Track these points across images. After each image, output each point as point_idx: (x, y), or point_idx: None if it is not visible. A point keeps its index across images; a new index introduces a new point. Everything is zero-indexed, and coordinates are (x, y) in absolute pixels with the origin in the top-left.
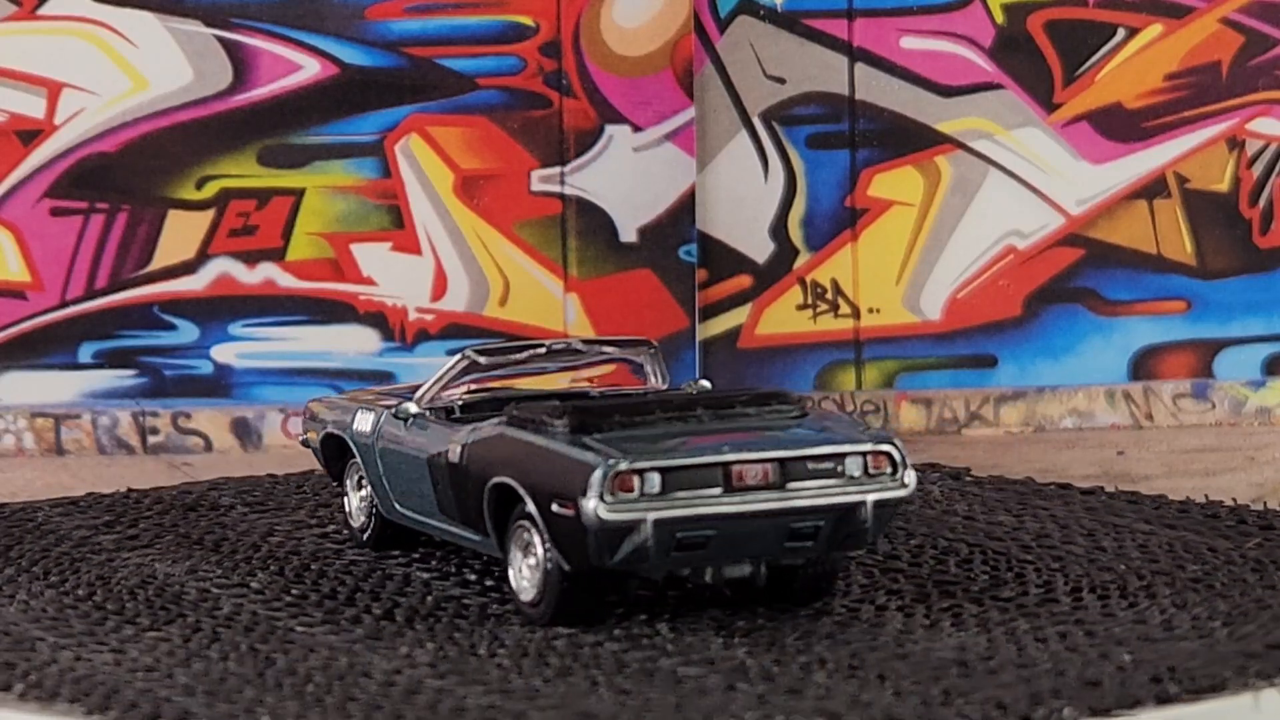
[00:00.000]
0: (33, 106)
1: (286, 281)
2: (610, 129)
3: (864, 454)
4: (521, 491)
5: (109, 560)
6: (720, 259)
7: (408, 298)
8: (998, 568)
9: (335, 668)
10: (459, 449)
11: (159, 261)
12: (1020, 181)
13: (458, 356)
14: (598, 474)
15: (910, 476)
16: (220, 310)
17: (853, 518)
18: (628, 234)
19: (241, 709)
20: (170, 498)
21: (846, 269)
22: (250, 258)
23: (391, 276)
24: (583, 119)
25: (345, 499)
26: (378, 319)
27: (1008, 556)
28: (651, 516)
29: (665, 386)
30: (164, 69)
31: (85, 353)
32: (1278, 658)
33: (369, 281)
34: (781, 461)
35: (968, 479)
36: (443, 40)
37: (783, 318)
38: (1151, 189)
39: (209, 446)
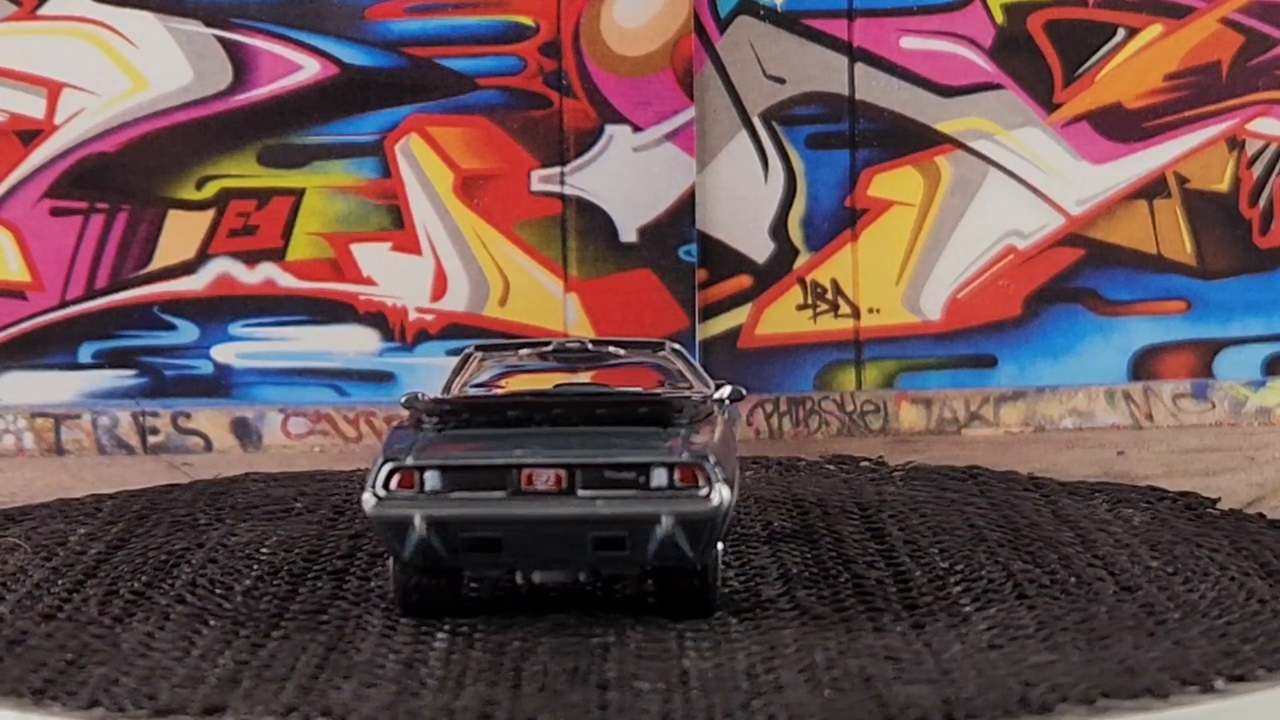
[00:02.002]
0: (33, 106)
1: (286, 281)
2: (610, 129)
3: (669, 466)
4: None
5: None
6: (720, 259)
7: (408, 298)
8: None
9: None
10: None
11: (159, 261)
12: (1020, 181)
13: (462, 354)
14: (374, 470)
15: (720, 494)
16: (220, 310)
17: (653, 531)
18: (628, 234)
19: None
20: None
21: (846, 269)
22: (250, 258)
23: (391, 276)
24: (583, 119)
25: None
26: (378, 319)
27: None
28: (420, 514)
29: (691, 385)
30: (164, 69)
31: (85, 353)
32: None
33: (369, 281)
34: (575, 468)
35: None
36: (443, 40)
37: (783, 318)
38: (1151, 189)
39: (209, 446)
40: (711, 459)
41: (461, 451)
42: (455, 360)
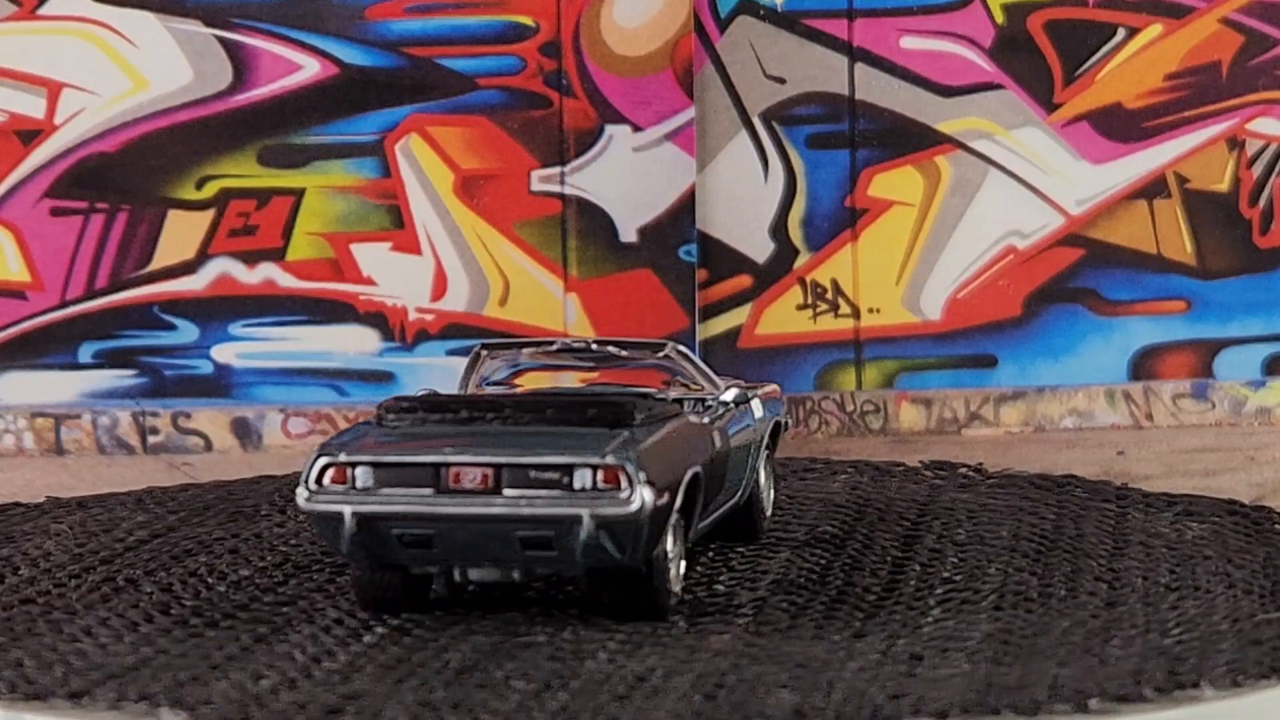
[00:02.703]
0: (33, 106)
1: (286, 281)
2: (610, 129)
3: (592, 468)
4: None
5: None
6: (720, 259)
7: (408, 298)
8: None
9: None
10: None
11: (159, 261)
12: (1020, 181)
13: (472, 353)
14: (308, 464)
15: (641, 495)
16: (220, 310)
17: (576, 532)
18: (628, 234)
19: None
20: None
21: (846, 269)
22: (250, 258)
23: (391, 276)
24: (583, 119)
25: None
26: (378, 319)
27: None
28: (349, 510)
29: (699, 385)
30: (164, 69)
31: (85, 353)
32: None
33: (369, 281)
34: (501, 467)
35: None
36: (443, 40)
37: (783, 318)
38: (1151, 189)
39: (209, 446)
40: (634, 462)
41: (393, 448)
42: (464, 361)
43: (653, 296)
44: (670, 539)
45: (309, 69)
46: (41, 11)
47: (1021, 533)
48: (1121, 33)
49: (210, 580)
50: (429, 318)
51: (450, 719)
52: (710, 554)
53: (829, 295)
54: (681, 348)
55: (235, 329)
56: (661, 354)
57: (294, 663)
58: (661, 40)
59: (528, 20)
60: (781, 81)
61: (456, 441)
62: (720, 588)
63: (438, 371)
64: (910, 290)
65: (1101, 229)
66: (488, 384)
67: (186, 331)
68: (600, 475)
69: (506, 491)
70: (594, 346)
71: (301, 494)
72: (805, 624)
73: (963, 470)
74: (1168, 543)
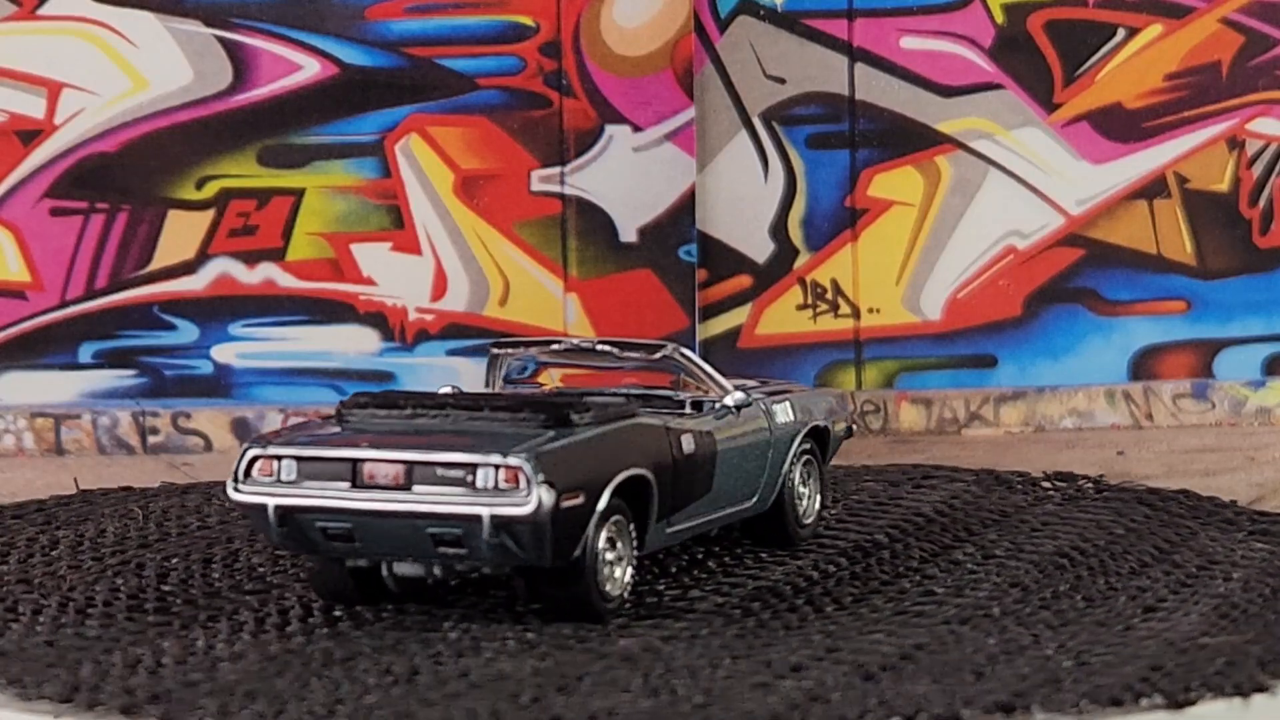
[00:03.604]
0: (33, 106)
1: (286, 281)
2: (610, 129)
3: (494, 467)
4: None
5: None
6: (720, 259)
7: (408, 298)
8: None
9: None
10: None
11: (159, 261)
12: (1020, 181)
13: (490, 355)
14: (239, 456)
15: (539, 495)
16: (220, 310)
17: (480, 529)
18: (628, 234)
19: None
20: None
21: (846, 269)
22: (250, 258)
23: (391, 276)
24: (583, 119)
25: None
26: (378, 319)
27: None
28: (272, 502)
29: (702, 386)
30: (164, 69)
31: (85, 353)
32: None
33: (369, 281)
34: (411, 465)
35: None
36: (443, 40)
37: (783, 318)
38: (1151, 189)
39: (209, 446)
40: (532, 462)
41: (318, 443)
42: (464, 361)
43: (653, 296)
44: (603, 540)
45: (309, 69)
46: (41, 11)
47: (1068, 547)
48: (1121, 33)
49: (200, 577)
50: (429, 318)
51: (253, 706)
52: (714, 557)
53: (829, 295)
54: (683, 349)
55: (235, 329)
56: (660, 355)
57: (193, 658)
58: (661, 40)
59: (528, 20)
60: (781, 81)
61: (376, 439)
62: (697, 592)
63: (438, 371)
64: (910, 290)
65: (1101, 229)
66: (508, 383)
67: (186, 331)
68: (501, 475)
69: (416, 489)
70: (599, 347)
71: (229, 484)
72: (740, 631)
73: (1083, 481)
74: (1228, 563)
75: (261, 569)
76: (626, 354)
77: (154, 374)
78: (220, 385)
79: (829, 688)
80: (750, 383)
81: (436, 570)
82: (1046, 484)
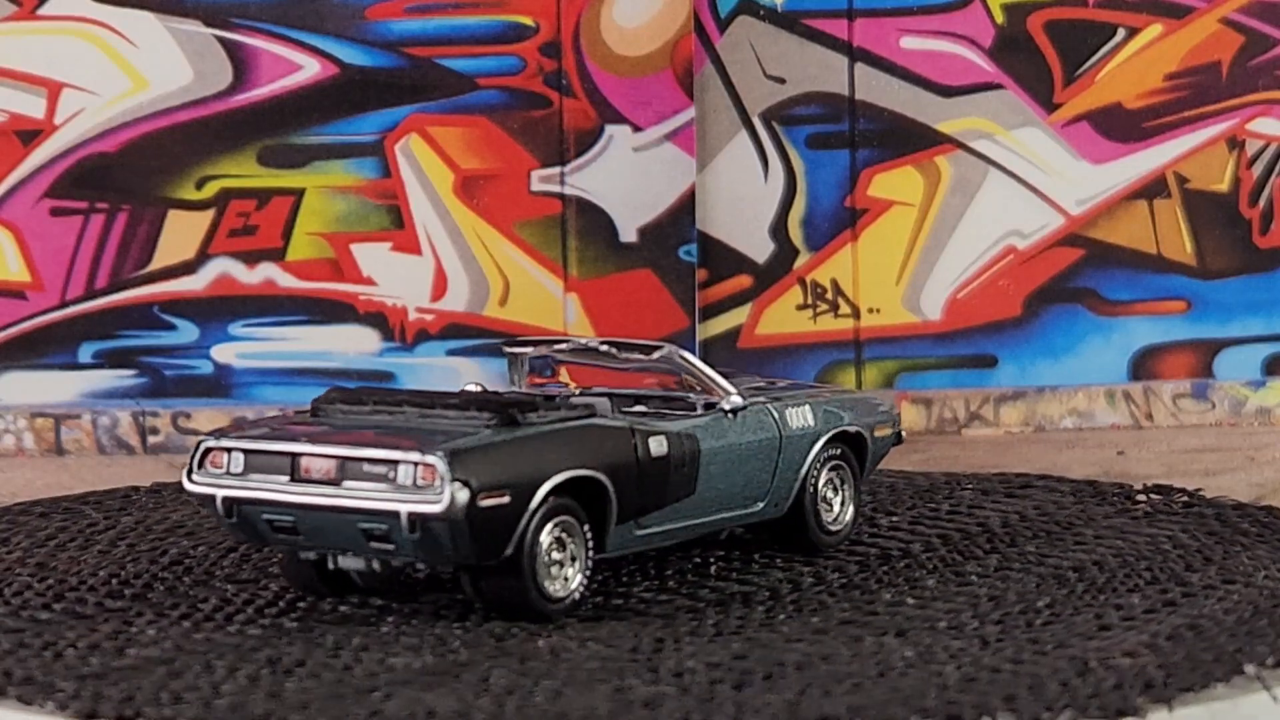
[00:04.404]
0: (33, 106)
1: (286, 281)
2: (610, 129)
3: (413, 464)
4: None
5: None
6: (720, 259)
7: (408, 298)
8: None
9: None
10: None
11: (159, 261)
12: (1020, 181)
13: (508, 356)
14: (194, 448)
15: (452, 493)
16: (220, 310)
17: (400, 525)
18: (628, 234)
19: None
20: None
21: (846, 269)
22: (250, 258)
23: (391, 276)
24: (583, 119)
25: None
26: (378, 319)
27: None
28: (221, 493)
29: (700, 385)
30: (164, 69)
31: (85, 353)
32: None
33: (369, 281)
34: (342, 460)
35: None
36: (443, 40)
37: (783, 318)
38: (1151, 189)
39: None
40: (445, 459)
41: (265, 437)
42: (463, 360)
43: (653, 296)
44: (546, 540)
45: (309, 69)
46: (41, 11)
47: (1090, 561)
48: (1121, 33)
49: (194, 572)
50: (429, 318)
51: (109, 692)
52: (720, 560)
53: (829, 295)
54: (681, 350)
55: (235, 329)
56: (656, 356)
57: (133, 651)
58: (661, 40)
59: (528, 20)
60: (781, 81)
61: (317, 434)
62: (664, 596)
63: (438, 371)
64: (910, 290)
65: (1101, 229)
66: (533, 383)
67: (186, 331)
68: (419, 471)
69: (345, 484)
70: (602, 347)
71: (184, 476)
72: (661, 634)
73: (1179, 495)
74: (1220, 580)
75: (247, 563)
76: (624, 354)
77: (154, 374)
78: (220, 385)
79: (687, 695)
80: (781, 384)
81: (375, 565)
82: (1141, 496)
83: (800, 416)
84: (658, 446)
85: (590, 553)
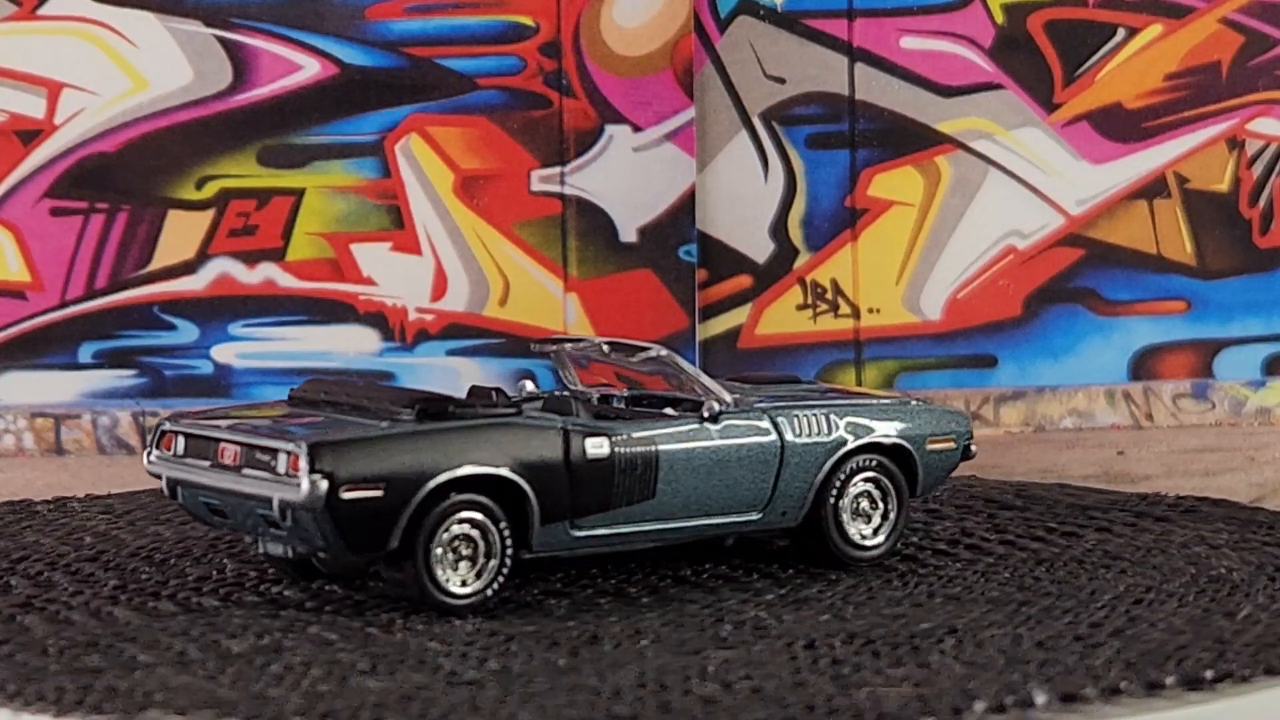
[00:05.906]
0: (33, 106)
1: (286, 281)
2: (610, 129)
3: (286, 454)
4: None
5: None
6: (720, 259)
7: (408, 298)
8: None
9: None
10: None
11: (159, 261)
12: (1020, 181)
13: (549, 355)
14: (152, 432)
15: (312, 483)
16: (220, 310)
17: (271, 513)
18: (628, 234)
19: None
20: None
21: (846, 269)
22: (250, 258)
23: (391, 276)
24: (583, 119)
25: None
26: (378, 319)
27: None
28: (165, 473)
29: (697, 386)
30: (164, 69)
31: (85, 353)
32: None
33: (369, 281)
34: (243, 447)
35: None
36: (443, 40)
37: (783, 318)
38: (1151, 189)
39: None
40: (305, 450)
41: (205, 424)
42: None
43: (653, 296)
44: (448, 535)
45: (309, 69)
46: (41, 11)
47: (1118, 585)
48: (1121, 33)
49: (189, 570)
50: (429, 318)
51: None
52: (725, 563)
53: (829, 295)
54: (671, 353)
55: (235, 329)
56: (642, 357)
57: (98, 646)
58: (661, 40)
59: (528, 20)
60: (781, 81)
61: (239, 423)
62: (605, 599)
63: (438, 371)
64: (910, 290)
65: (1101, 229)
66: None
67: (186, 331)
68: (289, 461)
69: (245, 470)
70: (604, 348)
71: (144, 457)
72: (623, 636)
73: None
74: (1187, 585)
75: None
76: (615, 355)
77: (154, 374)
78: (220, 385)
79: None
80: (823, 387)
81: (289, 551)
82: (1201, 505)
83: (812, 425)
84: (597, 448)
85: (508, 551)
